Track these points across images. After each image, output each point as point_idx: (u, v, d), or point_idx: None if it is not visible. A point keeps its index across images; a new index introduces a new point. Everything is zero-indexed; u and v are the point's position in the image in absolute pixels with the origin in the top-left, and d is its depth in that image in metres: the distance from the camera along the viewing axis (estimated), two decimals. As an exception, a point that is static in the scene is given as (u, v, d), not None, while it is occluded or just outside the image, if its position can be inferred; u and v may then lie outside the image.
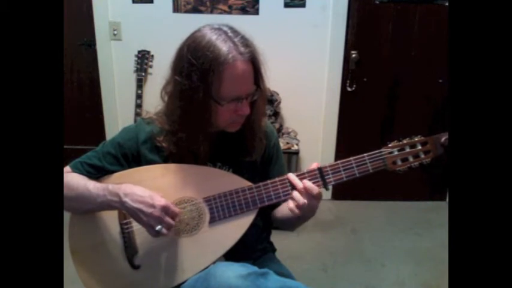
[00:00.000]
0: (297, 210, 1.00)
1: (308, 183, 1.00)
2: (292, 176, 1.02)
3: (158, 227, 0.97)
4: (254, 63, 1.01)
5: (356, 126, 2.84)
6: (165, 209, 0.98)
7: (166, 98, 1.08)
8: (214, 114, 1.02)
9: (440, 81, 2.73)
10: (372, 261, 2.27)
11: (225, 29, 1.00)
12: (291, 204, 1.01)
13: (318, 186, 1.01)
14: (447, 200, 2.97)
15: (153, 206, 0.98)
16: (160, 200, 0.99)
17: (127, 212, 1.03)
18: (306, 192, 0.99)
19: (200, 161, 1.09)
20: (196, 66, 0.97)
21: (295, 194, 1.00)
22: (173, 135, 1.07)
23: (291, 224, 1.19)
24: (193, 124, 1.03)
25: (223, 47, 0.96)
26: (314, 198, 1.00)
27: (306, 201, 0.99)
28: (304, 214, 1.03)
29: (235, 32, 1.01)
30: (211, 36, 0.98)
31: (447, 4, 2.59)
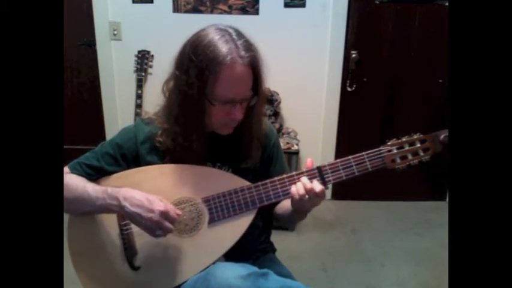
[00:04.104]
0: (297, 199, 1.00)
1: (315, 184, 0.99)
2: (304, 179, 1.02)
3: (157, 232, 0.98)
4: (254, 69, 1.00)
5: (356, 126, 2.84)
6: (164, 214, 0.98)
7: (167, 94, 1.08)
8: (207, 113, 1.02)
9: (440, 81, 2.73)
10: (372, 261, 2.27)
11: (230, 30, 1.00)
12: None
13: None
14: (447, 200, 2.97)
15: (152, 210, 0.97)
16: (159, 205, 0.98)
17: (126, 216, 1.03)
18: (309, 191, 0.99)
19: (199, 161, 1.09)
20: (194, 63, 0.97)
21: (296, 190, 1.00)
22: (170, 131, 1.07)
23: (291, 221, 1.19)
24: (186, 120, 1.03)
25: (224, 48, 0.96)
26: (317, 197, 1.00)
27: (307, 196, 0.99)
28: (305, 210, 1.05)
29: (240, 34, 1.00)
30: (215, 36, 0.98)
31: (447, 4, 2.59)
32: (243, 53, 0.97)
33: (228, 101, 1.00)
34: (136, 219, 0.99)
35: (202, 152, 1.08)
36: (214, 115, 1.02)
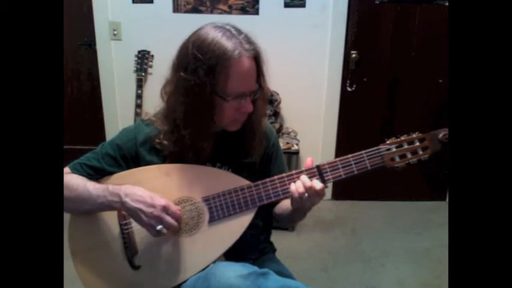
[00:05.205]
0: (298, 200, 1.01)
1: (315, 182, 1.00)
2: (304, 178, 1.02)
3: (159, 227, 0.98)
4: (257, 61, 1.02)
5: (356, 126, 2.84)
6: (165, 209, 0.98)
7: (166, 98, 1.08)
8: (218, 111, 1.02)
9: (440, 81, 2.73)
10: (372, 261, 2.27)
11: (228, 27, 1.01)
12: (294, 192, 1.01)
13: None
14: (447, 200, 2.97)
15: (153, 205, 0.98)
16: (160, 200, 0.99)
17: (127, 212, 1.03)
18: (310, 190, 1.00)
19: (200, 161, 1.09)
20: (202, 61, 0.97)
21: (296, 188, 1.00)
22: (173, 134, 1.07)
23: (291, 220, 1.20)
24: (198, 120, 1.03)
25: (229, 43, 0.97)
26: (317, 195, 1.00)
27: (306, 194, 0.99)
28: (304, 209, 1.05)
29: (238, 30, 1.02)
30: (216, 33, 0.99)
31: (447, 4, 2.59)
32: (247, 46, 0.99)
33: (240, 94, 1.01)
34: (137, 214, 0.99)
35: (208, 153, 1.08)
36: (226, 111, 1.03)
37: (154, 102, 1.13)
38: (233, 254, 1.06)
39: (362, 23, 2.66)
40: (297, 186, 1.00)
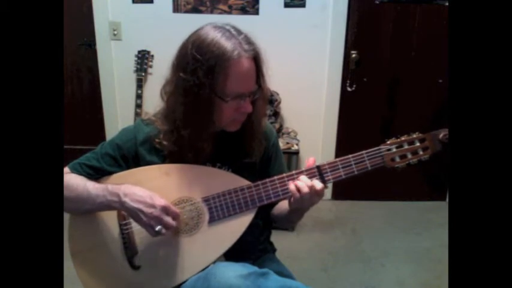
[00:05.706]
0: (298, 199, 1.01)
1: (315, 182, 1.00)
2: (304, 178, 1.02)
3: (158, 227, 0.98)
4: (256, 62, 1.02)
5: (356, 126, 2.84)
6: (165, 209, 0.98)
7: (166, 98, 1.08)
8: (217, 111, 1.02)
9: (440, 81, 2.73)
10: (372, 261, 2.27)
11: (228, 27, 1.01)
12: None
13: None
14: (447, 200, 2.97)
15: (153, 206, 0.98)
16: (160, 200, 0.99)
17: (126, 212, 1.03)
18: (310, 189, 1.00)
19: (200, 161, 1.09)
20: (201, 62, 0.97)
21: (298, 188, 1.00)
22: (173, 134, 1.07)
23: (289, 221, 1.20)
24: (197, 121, 1.03)
25: (228, 43, 0.97)
26: (317, 195, 1.00)
27: (308, 196, 1.00)
28: (303, 210, 1.06)
29: (238, 30, 1.02)
30: (216, 33, 0.99)
31: (447, 4, 2.59)
32: (246, 46, 0.98)
33: (239, 95, 1.01)
34: (137, 214, 0.99)
35: (208, 153, 1.08)
36: (225, 112, 1.02)
37: (154, 102, 1.13)
38: (233, 254, 1.06)
39: (362, 23, 2.66)
40: (300, 186, 1.00)
